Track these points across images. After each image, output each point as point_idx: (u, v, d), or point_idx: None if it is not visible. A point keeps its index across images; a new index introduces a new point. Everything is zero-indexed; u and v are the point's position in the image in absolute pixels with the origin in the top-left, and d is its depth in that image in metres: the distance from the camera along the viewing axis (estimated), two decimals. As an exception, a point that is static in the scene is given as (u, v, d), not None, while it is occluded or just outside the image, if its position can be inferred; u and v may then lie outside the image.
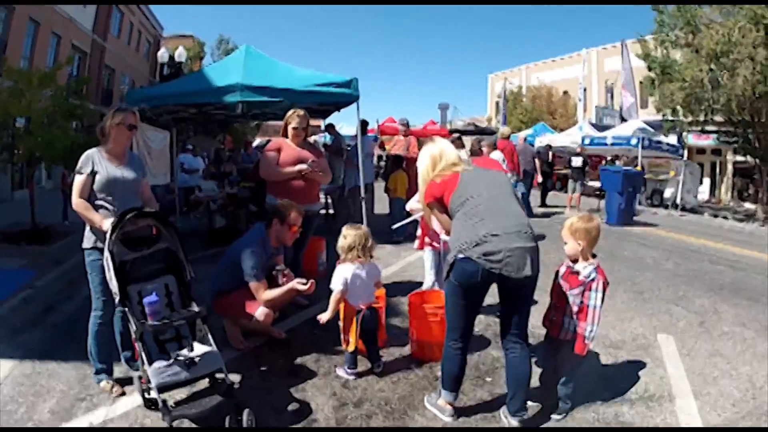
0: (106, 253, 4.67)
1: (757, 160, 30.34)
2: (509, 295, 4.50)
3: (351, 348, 5.52)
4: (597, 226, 4.81)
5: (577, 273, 4.78)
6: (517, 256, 4.14)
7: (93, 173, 5.08)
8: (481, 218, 4.31)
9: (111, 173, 5.16)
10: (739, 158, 36.54)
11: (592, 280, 4.72)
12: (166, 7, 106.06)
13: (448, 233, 4.82)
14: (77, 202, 5.07)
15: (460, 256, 4.27)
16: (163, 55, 27.38)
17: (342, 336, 5.69)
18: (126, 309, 4.68)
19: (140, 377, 4.73)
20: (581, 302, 4.76)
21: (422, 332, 6.02)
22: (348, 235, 5.68)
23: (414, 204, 5.98)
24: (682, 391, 5.59)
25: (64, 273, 9.59)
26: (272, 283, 6.29)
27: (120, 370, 5.48)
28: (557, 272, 5.04)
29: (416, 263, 9.00)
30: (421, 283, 7.49)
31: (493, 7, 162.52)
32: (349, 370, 5.57)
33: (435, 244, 6.95)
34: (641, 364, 6.23)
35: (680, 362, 6.35)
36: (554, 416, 4.85)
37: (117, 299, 4.67)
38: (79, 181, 5.08)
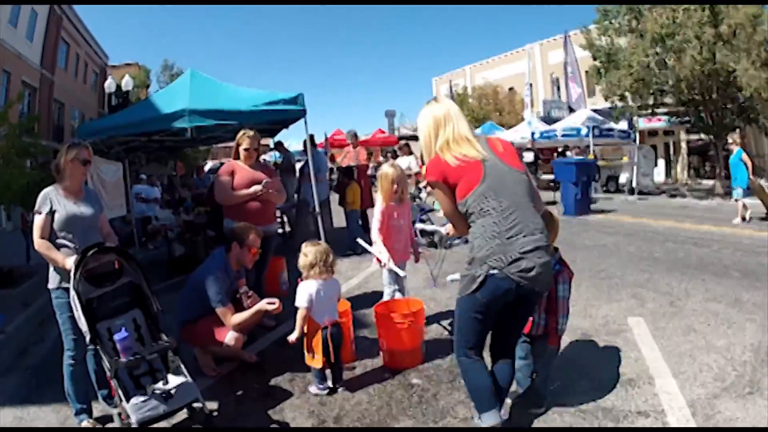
0: (72, 293, 4.68)
1: (712, 137, 30.95)
2: (521, 306, 4.29)
3: (318, 365, 5.52)
4: (556, 221, 4.83)
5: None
6: (546, 271, 4.05)
7: (52, 212, 5.04)
8: (512, 227, 4.00)
9: (70, 211, 5.14)
10: (693, 137, 37.12)
11: (558, 272, 4.77)
12: (111, 36, 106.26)
13: (448, 218, 4.52)
14: (39, 242, 5.05)
15: (495, 272, 3.94)
16: (110, 85, 27.30)
17: (306, 353, 5.66)
18: (98, 347, 4.71)
19: (120, 414, 4.70)
20: (548, 296, 4.80)
21: (392, 341, 6.06)
22: (308, 253, 5.70)
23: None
24: (660, 371, 5.64)
25: (34, 315, 9.52)
26: (238, 307, 6.27)
27: (99, 408, 5.44)
28: None
29: (377, 274, 8.99)
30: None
31: (433, 9, 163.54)
32: (320, 386, 5.58)
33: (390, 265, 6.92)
34: (615, 350, 6.29)
35: (654, 343, 6.41)
36: (533, 410, 4.83)
37: (88, 338, 4.67)
38: (38, 221, 5.05)
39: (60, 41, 40.06)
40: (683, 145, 41.36)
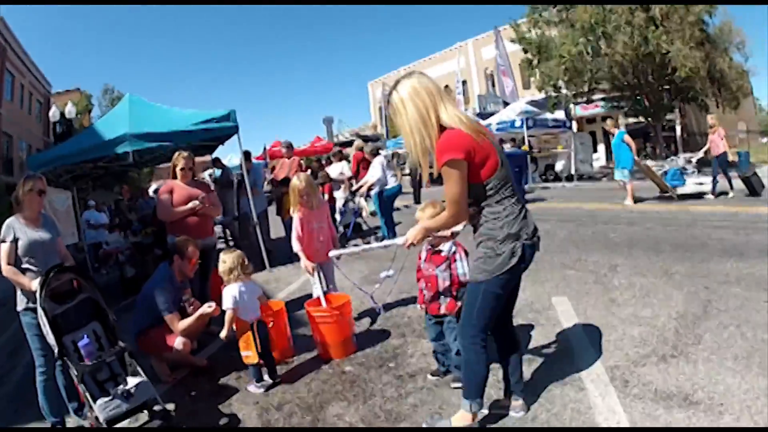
0: (40, 311, 5.14)
1: (650, 119, 31.37)
2: (516, 284, 4.46)
3: (254, 360, 5.92)
4: (441, 209, 4.79)
5: (440, 251, 5.23)
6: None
7: (15, 240, 5.49)
8: (521, 205, 4.23)
9: (31, 237, 5.58)
10: (631, 120, 37.53)
11: (454, 252, 5.21)
12: (52, 62, 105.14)
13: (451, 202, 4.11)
14: (6, 269, 5.49)
15: (527, 242, 4.12)
16: (54, 114, 27.28)
17: (242, 353, 6.02)
18: (65, 358, 5.09)
19: (90, 423, 5.14)
20: (450, 275, 5.19)
21: (323, 335, 6.42)
22: (226, 260, 6.12)
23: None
24: (581, 343, 5.94)
25: (3, 345, 9.68)
26: (184, 315, 6.61)
27: (71, 421, 5.79)
28: (420, 258, 5.49)
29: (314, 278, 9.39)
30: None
31: (365, 12, 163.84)
32: (257, 384, 5.92)
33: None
34: (538, 327, 6.54)
35: (576, 318, 6.69)
36: (453, 385, 5.13)
37: (56, 351, 5.09)
38: (4, 249, 5.48)
39: (5, 72, 39.60)
40: (622, 129, 41.89)
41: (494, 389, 5.00)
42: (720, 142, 17.02)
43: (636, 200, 17.15)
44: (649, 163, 21.13)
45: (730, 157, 17.27)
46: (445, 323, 5.33)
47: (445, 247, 5.23)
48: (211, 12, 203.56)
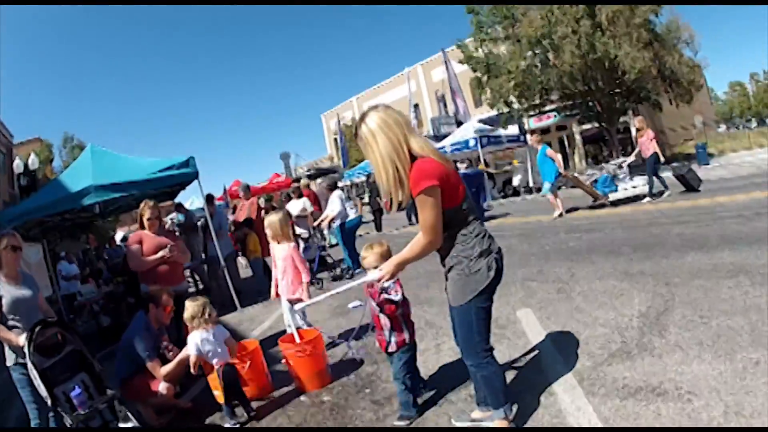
0: (29, 365, 5.29)
1: (603, 124, 31.69)
2: None
3: (221, 399, 6.14)
4: (387, 248, 5.24)
5: (382, 289, 5.08)
6: None
7: None
8: (480, 221, 4.40)
9: (14, 295, 5.75)
10: (586, 126, 37.95)
11: (390, 289, 5.12)
12: (11, 111, 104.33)
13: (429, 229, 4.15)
14: None
15: (497, 256, 4.29)
16: (18, 165, 27.19)
17: (213, 392, 6.25)
18: (58, 409, 5.27)
19: None
20: (388, 315, 5.20)
21: (299, 368, 6.57)
22: (188, 308, 6.32)
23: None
24: (547, 352, 6.08)
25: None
26: (164, 360, 6.72)
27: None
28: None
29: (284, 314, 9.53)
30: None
31: (310, 44, 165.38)
32: (231, 421, 6.10)
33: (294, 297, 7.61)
34: (503, 341, 6.63)
35: (541, 328, 6.82)
36: (396, 424, 5.13)
37: (49, 402, 5.25)
38: None
39: (-35, 125, 38.82)
40: (577, 136, 42.38)
41: (464, 403, 5.22)
42: (649, 144, 17.11)
43: (569, 210, 17.58)
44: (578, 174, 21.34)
45: (662, 158, 17.44)
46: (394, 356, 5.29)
47: (386, 283, 4.80)
48: (164, 56, 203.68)
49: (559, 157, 17.48)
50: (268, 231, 7.76)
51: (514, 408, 4.63)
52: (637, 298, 7.26)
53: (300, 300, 7.37)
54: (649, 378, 4.90)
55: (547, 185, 17.50)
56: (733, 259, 8.19)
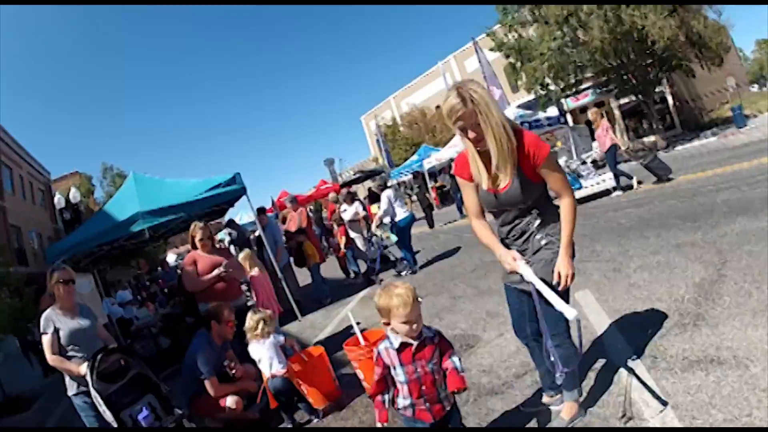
0: (93, 392, 5.50)
1: (640, 96, 31.42)
2: None
3: (272, 405, 6.46)
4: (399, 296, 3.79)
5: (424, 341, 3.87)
6: None
7: (56, 330, 5.84)
8: None
9: (71, 327, 5.96)
10: (623, 101, 37.63)
11: (435, 335, 3.98)
12: (47, 150, 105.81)
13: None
14: (52, 358, 5.84)
15: None
16: (59, 201, 27.45)
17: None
18: None
19: None
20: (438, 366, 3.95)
21: (364, 370, 6.50)
22: (249, 320, 6.66)
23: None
24: (607, 331, 6.11)
25: (52, 428, 9.95)
26: (227, 376, 6.97)
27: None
28: (381, 362, 3.95)
29: (346, 318, 9.58)
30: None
31: (341, 48, 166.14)
32: (290, 423, 6.46)
33: None
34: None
35: (600, 309, 6.81)
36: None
37: (115, 426, 5.45)
38: (46, 341, 5.84)
39: (2, 165, 39.72)
40: (616, 111, 42.09)
41: (530, 389, 5.26)
42: (605, 136, 16.60)
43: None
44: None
45: (623, 148, 16.98)
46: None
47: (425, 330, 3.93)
48: (199, 76, 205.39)
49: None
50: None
51: (583, 391, 4.68)
52: (690, 270, 7.24)
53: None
54: (707, 348, 4.92)
55: None
56: (778, 221, 8.13)
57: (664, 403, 4.26)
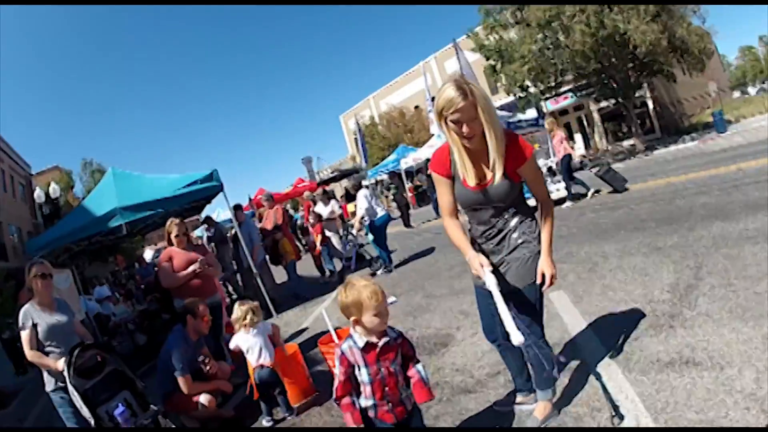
0: (71, 388, 5.47)
1: (620, 99, 31.58)
2: None
3: (255, 397, 6.46)
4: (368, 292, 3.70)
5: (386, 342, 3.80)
6: None
7: (34, 325, 5.82)
8: None
9: (49, 322, 5.94)
10: (603, 104, 37.83)
11: (398, 336, 3.96)
12: (28, 143, 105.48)
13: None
14: (30, 354, 5.83)
15: None
16: (39, 195, 27.34)
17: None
18: (102, 428, 5.42)
19: None
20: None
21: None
22: (236, 310, 6.66)
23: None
24: (581, 331, 6.12)
25: (32, 428, 9.86)
26: (201, 373, 6.95)
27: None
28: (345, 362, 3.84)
29: (321, 317, 9.55)
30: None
31: (324, 46, 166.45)
32: (266, 418, 6.46)
33: None
34: None
35: (575, 309, 6.87)
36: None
37: (92, 422, 5.41)
38: (25, 336, 5.83)
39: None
40: (595, 115, 42.37)
41: (503, 389, 5.26)
42: (560, 146, 16.63)
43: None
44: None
45: (576, 159, 16.92)
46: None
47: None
48: (175, 72, 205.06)
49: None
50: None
51: (557, 390, 4.67)
52: (666, 272, 7.28)
53: None
54: (682, 350, 4.93)
55: None
56: (756, 224, 8.21)
57: (621, 417, 4.25)
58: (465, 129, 3.91)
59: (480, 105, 3.85)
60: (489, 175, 4.11)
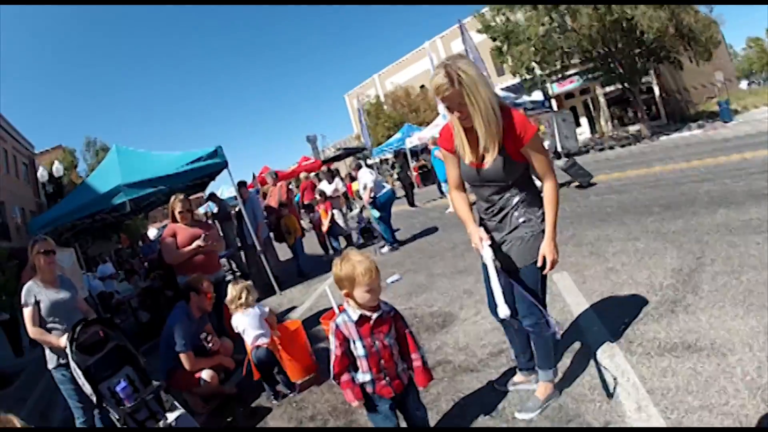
0: (72, 364, 5.40)
1: (626, 85, 31.43)
2: None
3: (255, 377, 6.47)
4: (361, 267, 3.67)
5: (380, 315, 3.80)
6: None
7: (37, 302, 5.82)
8: None
9: (52, 299, 5.92)
10: (609, 89, 37.65)
11: (391, 310, 3.96)
12: (31, 123, 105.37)
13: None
14: (32, 330, 5.82)
15: None
16: (42, 174, 27.29)
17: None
18: (104, 405, 5.37)
19: None
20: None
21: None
22: (231, 291, 6.63)
23: None
24: (584, 313, 6.13)
25: (33, 408, 9.79)
26: (204, 350, 6.97)
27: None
28: (340, 337, 3.82)
29: (324, 294, 9.51)
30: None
31: (329, 26, 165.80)
32: (271, 395, 6.46)
33: None
34: None
35: (578, 290, 6.88)
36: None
37: (94, 399, 5.36)
38: (27, 313, 5.82)
39: (-15, 140, 38.98)
40: (601, 99, 42.07)
41: (504, 368, 5.27)
42: None
43: None
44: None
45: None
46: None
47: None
48: (181, 48, 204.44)
49: None
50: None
51: (558, 372, 4.66)
52: (670, 257, 7.28)
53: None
54: (684, 335, 4.94)
55: (444, 185, 17.30)
56: (760, 214, 8.21)
57: (609, 395, 4.31)
58: (456, 113, 3.98)
59: (467, 91, 3.83)
60: (485, 154, 4.12)
